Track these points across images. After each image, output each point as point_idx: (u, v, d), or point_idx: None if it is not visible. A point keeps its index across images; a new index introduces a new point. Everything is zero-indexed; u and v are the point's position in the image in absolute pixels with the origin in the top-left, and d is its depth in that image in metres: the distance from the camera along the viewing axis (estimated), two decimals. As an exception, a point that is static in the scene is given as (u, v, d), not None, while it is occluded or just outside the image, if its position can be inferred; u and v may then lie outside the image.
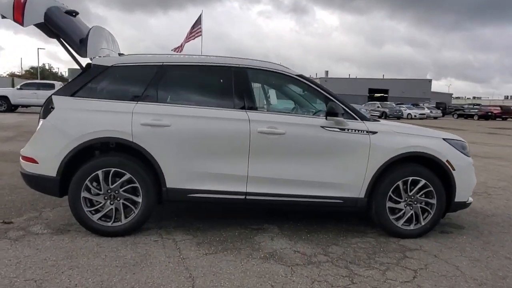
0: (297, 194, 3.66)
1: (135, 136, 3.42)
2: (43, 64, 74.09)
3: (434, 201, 3.79)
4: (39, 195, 4.52)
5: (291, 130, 3.62)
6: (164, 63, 3.66)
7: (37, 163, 3.42)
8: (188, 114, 3.53)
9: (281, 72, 3.82)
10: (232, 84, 3.69)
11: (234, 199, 3.62)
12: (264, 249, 3.41)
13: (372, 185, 3.73)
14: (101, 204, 3.48)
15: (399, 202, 3.81)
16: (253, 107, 3.66)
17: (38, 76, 47.56)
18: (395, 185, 3.76)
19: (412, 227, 3.83)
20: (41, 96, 20.59)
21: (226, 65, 3.73)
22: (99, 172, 3.42)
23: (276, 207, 3.93)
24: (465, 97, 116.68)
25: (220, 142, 3.53)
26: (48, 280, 2.68)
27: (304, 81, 3.82)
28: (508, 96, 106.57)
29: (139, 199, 3.49)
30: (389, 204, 3.79)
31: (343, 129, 3.69)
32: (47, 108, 3.48)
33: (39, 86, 21.29)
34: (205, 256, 3.20)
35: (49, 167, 3.41)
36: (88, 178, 3.41)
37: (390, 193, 3.77)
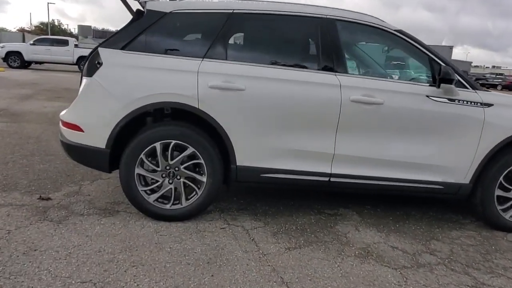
0: (390, 177, 3.02)
1: (201, 101, 2.76)
2: (53, 20, 72.40)
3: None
4: (73, 163, 3.95)
5: (391, 99, 2.92)
6: (235, 11, 2.92)
7: (82, 131, 2.80)
8: (266, 76, 2.84)
9: (377, 26, 3.06)
10: (319, 39, 2.96)
11: (316, 182, 3.00)
12: (355, 243, 2.82)
13: (481, 169, 3.07)
14: (158, 183, 2.88)
15: (510, 190, 3.16)
16: (344, 70, 2.95)
17: (49, 32, 46.34)
18: (508, 170, 3.10)
19: (522, 220, 3.20)
20: (54, 52, 19.85)
21: (312, 15, 2.98)
22: (157, 145, 2.79)
23: (361, 192, 3.32)
24: (484, 66, 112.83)
25: (304, 112, 2.86)
26: (110, 283, 2.13)
27: (406, 38, 3.07)
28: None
29: (203, 178, 2.88)
30: (498, 192, 3.14)
31: (453, 100, 2.98)
32: (92, 63, 2.81)
33: (53, 42, 20.45)
34: (289, 252, 2.62)
35: (97, 137, 2.79)
36: (144, 152, 2.79)
37: (501, 179, 3.11)
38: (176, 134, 2.79)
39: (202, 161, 2.84)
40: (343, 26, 3.01)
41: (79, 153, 2.87)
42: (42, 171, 3.86)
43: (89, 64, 2.83)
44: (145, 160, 2.81)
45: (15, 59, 19.61)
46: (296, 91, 2.84)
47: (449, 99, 2.97)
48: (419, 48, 3.07)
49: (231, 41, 2.97)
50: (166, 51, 2.86)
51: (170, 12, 2.90)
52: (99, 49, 2.83)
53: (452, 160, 3.05)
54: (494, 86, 40.23)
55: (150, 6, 2.91)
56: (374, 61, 3.55)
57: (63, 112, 2.96)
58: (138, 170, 2.82)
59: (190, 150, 2.82)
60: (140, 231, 2.75)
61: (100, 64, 2.77)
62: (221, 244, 2.65)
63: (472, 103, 3.00)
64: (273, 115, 2.83)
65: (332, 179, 3.00)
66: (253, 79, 2.81)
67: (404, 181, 3.04)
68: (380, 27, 3.05)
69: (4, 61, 19.52)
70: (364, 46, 3.56)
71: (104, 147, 2.79)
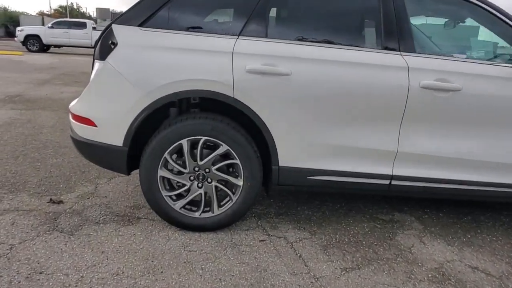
0: (467, 180, 2.47)
1: (237, 89, 2.25)
2: (71, 3, 72.43)
3: None
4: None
5: (470, 85, 2.35)
6: (276, -25, 2.38)
7: (95, 126, 2.34)
8: (317, 57, 2.30)
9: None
10: (380, 10, 2.39)
11: (374, 185, 2.48)
12: (424, 262, 2.31)
13: None
14: (185, 187, 2.42)
15: None
16: (411, 48, 2.38)
17: (68, 15, 46.28)
18: None
19: None
20: (72, 35, 19.54)
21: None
22: (184, 142, 2.31)
23: (426, 197, 2.80)
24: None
25: (362, 102, 2.32)
26: (131, 322, 1.69)
27: (488, 8, 2.46)
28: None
29: (239, 182, 2.40)
30: None
31: (547, 84, 2.39)
32: (105, 44, 2.33)
33: (71, 25, 20.11)
34: (347, 274, 2.14)
35: (113, 133, 2.33)
36: (168, 150, 2.32)
37: None
38: (206, 129, 2.30)
39: (237, 161, 2.36)
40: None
41: (93, 152, 2.42)
42: (55, 166, 3.45)
43: (101, 45, 2.35)
44: (169, 160, 2.35)
45: (33, 43, 19.42)
46: (353, 76, 2.30)
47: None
48: (503, 20, 2.46)
49: (272, 14, 2.43)
50: (193, 28, 2.35)
51: (196, -21, 2.37)
52: (113, 26, 2.34)
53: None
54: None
55: (171, -27, 2.39)
56: (447, 37, 2.95)
57: (73, 103, 2.51)
58: (161, 172, 2.36)
59: (224, 148, 2.33)
60: (165, 245, 2.30)
61: (115, 44, 2.28)
62: (263, 263, 2.18)
63: None
64: (324, 106, 2.30)
65: (394, 182, 2.47)
66: (300, 62, 2.28)
67: (485, 185, 2.49)
68: None
69: (23, 45, 19.36)
70: (434, 19, 2.95)
71: (121, 144, 2.33)
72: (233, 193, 2.43)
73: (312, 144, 2.37)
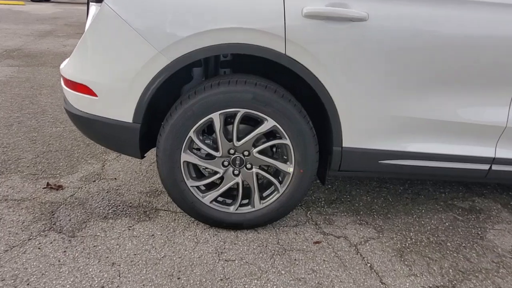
0: None
1: (290, 40, 1.58)
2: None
3: None
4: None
5: None
6: None
7: (95, 95, 1.72)
8: None
9: None
10: None
11: (469, 171, 1.85)
12: (536, 275, 1.74)
13: None
14: (217, 175, 1.83)
15: None
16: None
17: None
18: None
19: None
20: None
21: None
22: (215, 117, 1.69)
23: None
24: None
25: (469, 56, 1.64)
26: None
27: None
28: None
29: (289, 168, 1.80)
30: None
31: None
32: (102, -22, 1.64)
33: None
34: (440, 297, 1.59)
35: (119, 105, 1.71)
36: (194, 128, 1.71)
37: None
38: (246, 98, 1.66)
39: (287, 141, 1.74)
40: None
41: (95, 130, 1.82)
42: (54, 137, 2.89)
43: (97, -19, 1.67)
44: (196, 140, 1.74)
45: (36, -9, 18.31)
46: (457, 20, 1.60)
47: None
48: None
49: None
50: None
51: None
52: (112, -47, 1.65)
53: None
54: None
55: None
56: None
57: (64, 63, 1.87)
58: (185, 157, 1.76)
59: (269, 124, 1.71)
60: (194, 251, 1.76)
61: (115, -22, 1.60)
62: (325, 280, 1.64)
63: None
64: (413, 64, 1.63)
65: (494, 167, 1.84)
66: (380, 1, 1.58)
67: None
68: None
69: (25, -6, 18.29)
70: None
71: (130, 120, 1.72)
72: (280, 183, 1.84)
73: (391, 118, 1.73)
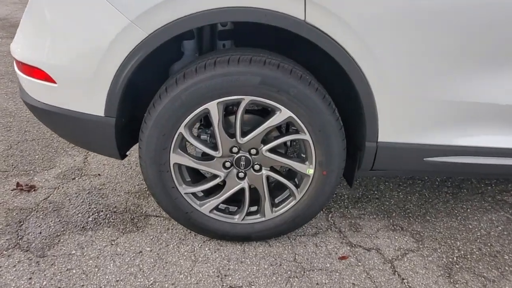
0: None
1: (311, 4, 1.15)
2: None
3: None
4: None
5: None
6: None
7: (53, 82, 1.31)
8: None
9: None
10: None
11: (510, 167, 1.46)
12: None
13: None
14: (217, 179, 1.45)
15: None
16: None
17: None
18: None
19: None
20: None
21: None
22: (211, 106, 1.29)
23: None
24: None
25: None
26: None
27: None
28: None
29: (308, 169, 1.40)
30: None
31: None
32: None
33: None
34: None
35: (85, 94, 1.31)
36: (186, 122, 1.31)
37: None
38: (253, 82, 1.25)
39: (307, 136, 1.34)
40: None
41: (58, 125, 1.43)
42: (32, 123, 2.50)
43: None
44: (188, 137, 1.35)
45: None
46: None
47: None
48: None
49: None
50: None
51: None
52: None
53: None
54: None
55: None
56: None
57: (14, 41, 1.45)
58: (175, 158, 1.37)
59: (283, 115, 1.30)
60: (190, 273, 1.41)
61: None
62: (357, 315, 1.29)
63: None
64: (473, 31, 1.19)
65: None
66: None
67: None
68: None
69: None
70: None
71: (102, 113, 1.32)
72: (297, 187, 1.46)
73: (442, 103, 1.31)
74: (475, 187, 2.00)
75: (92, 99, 1.30)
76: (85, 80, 1.27)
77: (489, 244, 1.62)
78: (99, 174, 2.00)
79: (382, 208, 1.82)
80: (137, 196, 1.84)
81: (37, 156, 2.14)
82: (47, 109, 1.37)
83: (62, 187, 1.88)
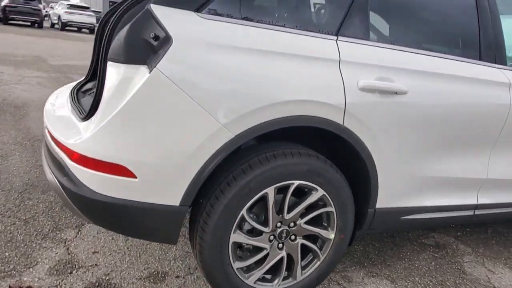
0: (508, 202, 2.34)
1: (349, 113, 1.60)
2: None
3: None
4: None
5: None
6: (375, -43, 1.75)
7: (134, 177, 1.39)
8: (435, 70, 1.80)
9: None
10: (477, 16, 2.00)
11: (459, 218, 2.15)
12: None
13: None
14: (264, 251, 1.68)
15: None
16: (504, 60, 2.07)
17: None
18: None
19: None
20: None
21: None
22: (269, 192, 1.57)
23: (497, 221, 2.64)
24: None
25: (472, 123, 1.94)
26: None
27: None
28: None
29: (330, 234, 1.78)
30: None
31: None
32: (139, 36, 1.38)
33: None
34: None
35: (166, 187, 1.43)
36: (248, 205, 1.55)
37: None
38: (302, 170, 1.60)
39: (332, 208, 1.73)
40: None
41: (124, 218, 1.46)
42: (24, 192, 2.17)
43: (132, 38, 1.39)
44: (248, 218, 1.58)
45: None
46: (465, 93, 1.89)
47: None
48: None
49: (372, 10, 1.79)
50: (270, 18, 1.57)
51: None
52: (153, 7, 1.40)
53: None
54: None
55: None
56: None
57: (76, 139, 1.46)
58: (235, 237, 1.57)
59: (318, 193, 1.67)
60: None
61: (168, 40, 1.36)
62: None
63: None
64: (434, 130, 1.84)
65: (477, 212, 2.19)
66: (418, 76, 1.75)
67: None
68: None
69: None
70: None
71: (177, 203, 1.45)
72: (321, 250, 1.80)
73: (414, 178, 1.89)
74: (402, 235, 2.65)
75: (171, 191, 1.43)
76: (168, 175, 1.40)
77: (434, 276, 2.22)
78: (96, 264, 1.92)
79: (355, 260, 2.27)
80: (152, 280, 1.86)
81: (7, 254, 1.91)
82: (117, 203, 1.41)
83: (65, 284, 1.75)
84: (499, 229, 2.96)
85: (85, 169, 1.42)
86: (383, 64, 1.68)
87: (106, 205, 1.43)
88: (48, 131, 1.66)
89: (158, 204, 1.43)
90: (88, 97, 1.97)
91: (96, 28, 2.35)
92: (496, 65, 2.02)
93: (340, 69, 1.59)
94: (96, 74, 1.87)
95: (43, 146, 1.87)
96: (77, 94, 2.02)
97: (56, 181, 1.51)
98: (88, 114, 1.53)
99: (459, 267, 2.35)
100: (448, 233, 2.76)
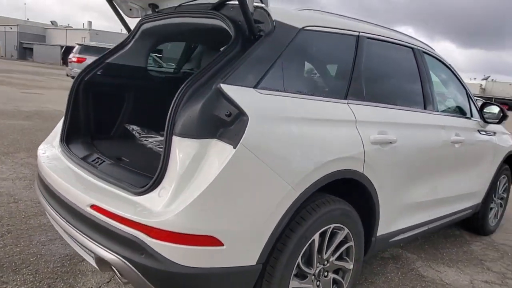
0: (444, 214, 2.97)
1: (366, 162, 1.96)
2: None
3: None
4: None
5: (468, 137, 2.94)
6: (360, 34, 2.17)
7: (221, 245, 1.47)
8: (410, 121, 2.32)
9: (439, 58, 2.97)
10: (419, 74, 2.61)
11: (420, 233, 2.70)
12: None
13: (489, 188, 3.53)
14: (308, 292, 1.88)
15: (494, 202, 3.78)
16: (434, 108, 2.72)
17: None
18: (497, 184, 3.69)
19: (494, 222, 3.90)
20: None
21: (409, 45, 2.58)
22: (316, 237, 1.81)
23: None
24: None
25: (431, 159, 2.53)
26: None
27: (454, 71, 3.12)
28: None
29: (350, 265, 2.08)
30: (491, 204, 3.70)
31: (485, 132, 3.28)
32: (213, 113, 1.50)
33: None
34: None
35: (247, 249, 1.54)
36: (302, 253, 1.76)
37: (495, 193, 3.68)
38: (336, 215, 1.88)
39: (352, 242, 2.04)
40: (428, 59, 2.75)
41: (209, 284, 1.51)
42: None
43: (206, 115, 1.49)
44: (302, 265, 1.78)
45: None
46: (432, 136, 2.50)
47: (485, 132, 3.25)
48: (460, 81, 3.18)
49: (363, 72, 2.19)
50: (301, 88, 1.85)
51: (303, 28, 1.88)
52: (223, 87, 1.53)
53: (481, 184, 3.37)
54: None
55: (275, 15, 1.79)
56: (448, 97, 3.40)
57: (165, 217, 1.43)
58: (293, 284, 1.75)
59: (344, 232, 1.97)
60: None
61: (243, 117, 1.51)
62: None
63: (490, 133, 3.37)
64: (413, 167, 2.35)
65: (430, 227, 2.78)
66: (402, 127, 2.23)
67: (450, 215, 3.04)
68: (440, 58, 2.98)
69: None
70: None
71: (254, 262, 1.57)
72: (343, 279, 2.09)
73: (400, 207, 2.35)
74: (366, 253, 3.10)
75: (252, 252, 1.55)
76: (250, 238, 1.53)
77: (406, 285, 2.70)
78: (131, 339, 1.84)
79: (345, 282, 2.61)
80: None
81: None
82: (204, 272, 1.46)
83: None
84: (425, 234, 3.67)
85: (172, 244, 1.44)
86: (380, 120, 2.10)
87: (190, 277, 1.47)
88: (97, 207, 1.59)
89: (240, 266, 1.54)
90: (107, 164, 1.91)
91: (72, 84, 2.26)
92: (437, 113, 2.66)
93: (357, 128, 1.94)
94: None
95: (69, 224, 1.74)
96: (84, 158, 1.97)
97: (125, 260, 1.48)
98: (148, 188, 1.55)
99: (417, 273, 2.89)
100: (403, 247, 3.33)
